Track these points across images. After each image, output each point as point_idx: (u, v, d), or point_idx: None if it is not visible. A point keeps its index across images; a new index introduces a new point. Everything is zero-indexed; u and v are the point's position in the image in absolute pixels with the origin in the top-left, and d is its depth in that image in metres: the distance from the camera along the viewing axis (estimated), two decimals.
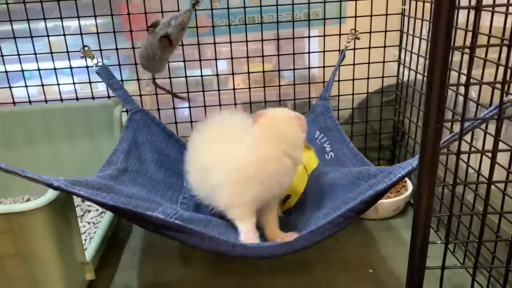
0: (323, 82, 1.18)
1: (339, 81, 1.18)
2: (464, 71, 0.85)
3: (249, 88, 1.18)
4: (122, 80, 1.10)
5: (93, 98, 1.15)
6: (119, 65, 1.13)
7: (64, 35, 1.09)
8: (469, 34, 0.81)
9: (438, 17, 0.46)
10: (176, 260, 0.95)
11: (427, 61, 1.01)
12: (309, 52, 1.17)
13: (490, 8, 0.68)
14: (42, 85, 1.14)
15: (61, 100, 1.14)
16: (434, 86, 0.48)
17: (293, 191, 0.96)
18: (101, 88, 1.23)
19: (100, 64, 1.05)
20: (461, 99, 0.88)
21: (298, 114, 0.82)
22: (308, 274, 0.90)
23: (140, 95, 1.15)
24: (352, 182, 0.83)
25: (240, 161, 0.77)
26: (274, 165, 0.76)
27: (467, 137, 0.80)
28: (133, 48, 1.11)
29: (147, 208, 0.70)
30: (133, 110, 1.04)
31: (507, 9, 0.69)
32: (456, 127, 0.89)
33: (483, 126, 0.77)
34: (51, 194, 0.68)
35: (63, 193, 0.70)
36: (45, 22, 1.08)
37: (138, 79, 1.15)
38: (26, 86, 1.14)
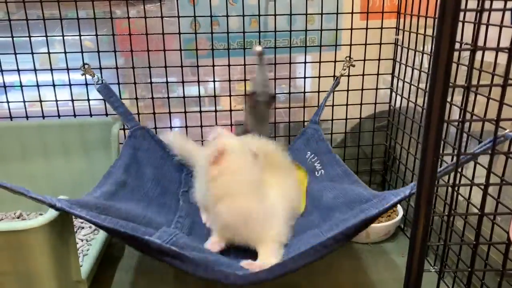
0: (318, 106, 1.21)
1: (333, 105, 1.21)
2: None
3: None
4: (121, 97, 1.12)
5: (90, 115, 1.16)
6: (118, 83, 1.15)
7: (65, 52, 1.11)
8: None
9: (438, 57, 0.49)
10: (169, 279, 0.96)
11: (419, 90, 1.05)
12: (304, 77, 1.20)
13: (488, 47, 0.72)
14: (40, 101, 1.15)
15: (59, 116, 1.15)
16: (432, 121, 0.51)
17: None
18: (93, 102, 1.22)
19: (100, 82, 1.06)
20: (453, 129, 0.92)
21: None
22: None
23: (138, 114, 1.17)
24: (345, 204, 0.85)
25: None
26: None
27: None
28: (133, 68, 1.12)
29: (144, 232, 0.71)
30: (134, 128, 1.05)
31: (497, 53, 0.72)
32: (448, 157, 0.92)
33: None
34: (52, 213, 0.68)
35: (63, 212, 0.71)
36: (46, 38, 1.10)
37: (136, 98, 1.17)
38: (24, 102, 1.15)
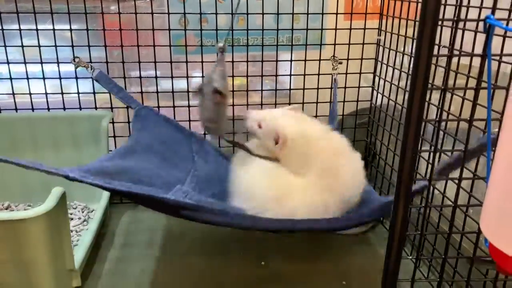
0: (303, 103, 1.25)
1: (317, 102, 1.26)
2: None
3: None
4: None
5: (80, 108, 1.17)
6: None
7: (56, 46, 1.12)
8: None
9: (418, 61, 0.53)
10: (157, 270, 0.99)
11: (399, 88, 1.10)
12: (290, 75, 1.24)
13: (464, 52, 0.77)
14: (30, 94, 1.16)
15: (48, 109, 1.16)
16: (412, 120, 0.55)
17: None
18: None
19: (96, 71, 1.09)
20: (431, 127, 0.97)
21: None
22: (284, 284, 0.95)
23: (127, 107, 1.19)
24: None
25: None
26: None
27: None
28: (123, 62, 1.14)
29: (158, 191, 0.77)
30: (138, 107, 1.10)
31: (471, 59, 0.78)
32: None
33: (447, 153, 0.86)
34: (50, 203, 0.71)
35: (60, 201, 0.73)
36: (37, 32, 1.11)
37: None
38: (14, 94, 1.16)
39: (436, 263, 0.96)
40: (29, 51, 1.13)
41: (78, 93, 1.17)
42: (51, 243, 0.74)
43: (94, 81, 1.10)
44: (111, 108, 1.18)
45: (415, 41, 1.01)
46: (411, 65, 1.01)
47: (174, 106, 1.21)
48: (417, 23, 1.01)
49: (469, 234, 0.81)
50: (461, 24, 0.75)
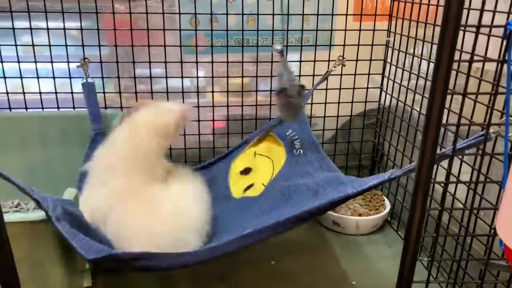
0: (311, 103, 1.26)
1: (325, 103, 1.27)
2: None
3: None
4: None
5: (74, 107, 1.17)
6: (118, 77, 1.17)
7: (66, 45, 1.12)
8: None
9: (439, 66, 0.54)
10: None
11: (408, 90, 1.10)
12: (299, 75, 1.25)
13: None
14: (24, 93, 1.16)
15: (42, 108, 1.17)
16: (431, 125, 0.56)
17: (256, 180, 1.02)
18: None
19: (90, 80, 1.10)
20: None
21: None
22: (292, 285, 0.96)
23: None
24: (319, 186, 0.86)
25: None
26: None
27: (444, 164, 0.89)
28: (133, 62, 1.15)
29: None
30: (96, 131, 1.07)
31: (483, 65, 0.78)
32: None
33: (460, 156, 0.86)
34: None
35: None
36: (48, 31, 1.11)
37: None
38: (8, 93, 1.16)
39: (445, 265, 0.97)
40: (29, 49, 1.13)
41: (104, 92, 1.17)
42: (64, 243, 0.74)
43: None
44: (121, 107, 1.18)
45: (425, 43, 1.02)
46: (428, 69, 1.03)
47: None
48: (427, 25, 1.02)
49: (480, 237, 0.82)
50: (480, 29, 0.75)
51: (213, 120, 1.25)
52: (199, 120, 1.23)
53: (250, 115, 1.28)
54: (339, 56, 1.19)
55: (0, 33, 1.12)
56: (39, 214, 0.70)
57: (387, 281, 0.96)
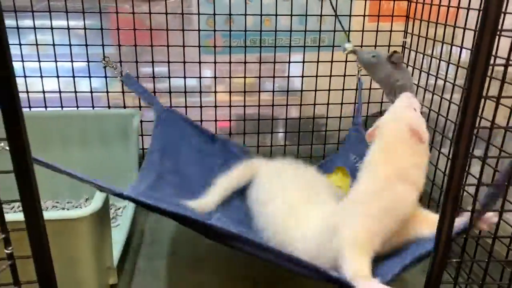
0: (328, 104, 1.27)
1: (342, 104, 1.27)
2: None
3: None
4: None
5: (109, 107, 1.18)
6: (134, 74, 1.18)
7: (86, 45, 1.13)
8: None
9: (475, 71, 0.54)
10: (191, 267, 1.00)
11: (426, 91, 1.10)
12: (316, 76, 1.25)
13: None
14: (60, 92, 1.17)
15: (77, 107, 1.17)
16: (464, 130, 0.56)
17: None
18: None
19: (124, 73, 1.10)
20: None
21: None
22: (301, 284, 0.96)
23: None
24: None
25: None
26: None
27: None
28: (153, 62, 1.16)
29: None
30: (160, 110, 1.08)
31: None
32: None
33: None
34: (97, 203, 0.73)
35: (105, 202, 0.75)
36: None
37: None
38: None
39: (465, 265, 0.98)
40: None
41: (107, 91, 1.18)
42: (95, 241, 0.76)
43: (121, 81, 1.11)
44: (139, 107, 1.19)
45: (445, 44, 1.02)
46: (447, 70, 1.03)
47: (201, 106, 1.22)
48: (447, 27, 1.02)
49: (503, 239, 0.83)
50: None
51: (230, 120, 1.26)
52: (201, 120, 1.23)
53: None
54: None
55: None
56: (78, 212, 0.71)
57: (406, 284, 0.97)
